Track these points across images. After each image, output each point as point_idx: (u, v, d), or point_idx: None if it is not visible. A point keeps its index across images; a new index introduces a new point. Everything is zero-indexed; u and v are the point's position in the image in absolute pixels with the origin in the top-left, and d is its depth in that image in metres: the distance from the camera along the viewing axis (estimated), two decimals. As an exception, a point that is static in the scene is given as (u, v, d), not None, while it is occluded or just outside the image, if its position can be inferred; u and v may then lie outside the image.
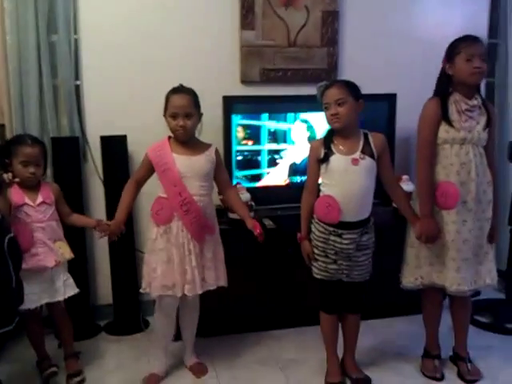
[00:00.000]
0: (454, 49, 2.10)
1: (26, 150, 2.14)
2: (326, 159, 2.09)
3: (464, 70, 2.07)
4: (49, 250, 2.17)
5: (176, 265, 2.15)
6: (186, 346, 2.42)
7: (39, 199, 2.18)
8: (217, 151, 2.27)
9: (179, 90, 2.18)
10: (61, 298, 2.22)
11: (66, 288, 2.23)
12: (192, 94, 2.18)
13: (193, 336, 2.41)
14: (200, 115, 2.22)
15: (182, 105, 2.14)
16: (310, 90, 2.82)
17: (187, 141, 2.20)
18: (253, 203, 2.69)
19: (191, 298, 2.21)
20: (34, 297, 2.13)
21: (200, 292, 2.18)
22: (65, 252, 2.23)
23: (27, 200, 2.16)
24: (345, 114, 2.04)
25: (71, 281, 2.27)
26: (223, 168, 2.33)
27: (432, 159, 2.15)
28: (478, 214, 2.14)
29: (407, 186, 2.64)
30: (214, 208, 2.30)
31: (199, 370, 2.38)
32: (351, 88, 2.08)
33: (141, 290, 2.26)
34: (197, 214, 2.16)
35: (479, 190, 2.12)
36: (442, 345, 2.38)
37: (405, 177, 2.79)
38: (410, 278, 2.26)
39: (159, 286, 2.17)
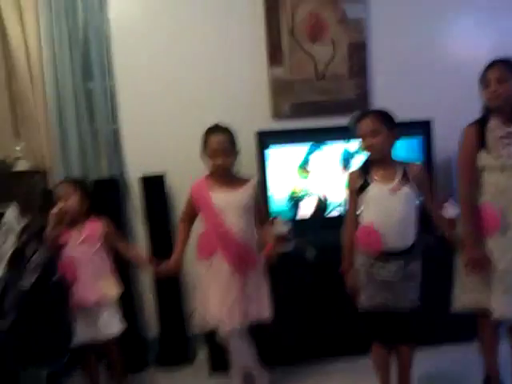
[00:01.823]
0: (480, 77, 2.13)
1: (58, 188, 2.30)
2: (363, 189, 2.09)
3: (484, 97, 2.11)
4: (91, 287, 2.22)
5: (220, 300, 2.17)
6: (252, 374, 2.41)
7: (83, 236, 2.25)
8: (256, 185, 2.31)
9: (216, 129, 2.25)
10: (104, 338, 2.25)
11: (109, 326, 2.27)
12: (228, 133, 2.25)
13: (251, 364, 2.37)
14: (237, 152, 2.27)
15: (220, 143, 2.20)
16: (339, 121, 2.87)
17: (226, 177, 2.26)
18: (291, 235, 2.68)
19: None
20: (80, 333, 2.19)
21: (239, 326, 2.18)
22: (109, 289, 2.27)
23: (71, 238, 2.24)
24: (379, 144, 2.05)
25: (115, 319, 2.29)
26: (261, 202, 2.37)
27: (472, 184, 2.13)
28: None
29: (451, 211, 2.57)
30: (255, 241, 2.31)
31: None
32: (385, 118, 2.08)
33: (194, 324, 2.30)
34: (236, 247, 2.19)
35: None
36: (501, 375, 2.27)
37: (447, 203, 2.71)
38: (459, 302, 2.21)
39: (212, 320, 2.20)
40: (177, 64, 2.90)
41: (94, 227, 2.30)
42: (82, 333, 2.20)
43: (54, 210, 2.20)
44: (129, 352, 2.60)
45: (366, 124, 2.06)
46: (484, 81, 2.10)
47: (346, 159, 2.87)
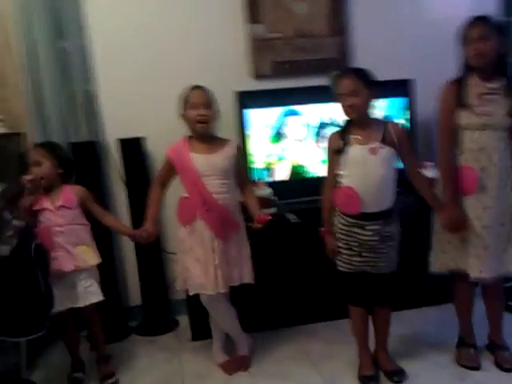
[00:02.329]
0: (460, 34, 2.07)
1: (29, 154, 2.21)
2: (343, 150, 2.06)
3: (466, 54, 2.06)
4: (67, 255, 2.18)
5: (202, 264, 2.17)
6: (235, 341, 2.44)
7: (59, 203, 2.20)
8: (237, 147, 2.28)
9: (197, 86, 2.21)
10: (81, 305, 2.22)
11: (87, 295, 2.22)
12: (208, 91, 2.21)
13: (233, 329, 2.40)
14: (217, 112, 2.23)
15: (202, 96, 2.17)
16: (322, 81, 2.82)
17: (205, 138, 2.21)
18: (275, 198, 2.67)
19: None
20: (57, 301, 2.15)
21: (222, 291, 2.18)
22: (88, 257, 2.23)
23: (47, 204, 2.19)
24: (360, 104, 2.01)
25: (94, 288, 2.24)
26: (240, 164, 2.31)
27: (452, 144, 2.10)
28: (502, 199, 2.07)
29: (432, 172, 2.58)
30: (239, 205, 2.29)
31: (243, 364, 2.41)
32: (364, 77, 2.03)
33: (177, 288, 2.31)
34: (219, 212, 2.16)
35: (502, 176, 2.06)
36: (477, 333, 2.32)
37: (429, 163, 2.72)
38: (436, 263, 2.23)
39: (194, 285, 2.20)
40: (153, 23, 2.79)
41: (70, 193, 2.24)
42: (60, 301, 2.17)
43: (27, 177, 2.14)
44: (110, 320, 2.62)
45: (346, 84, 2.01)
46: (465, 38, 2.04)
47: (319, 131, 2.83)
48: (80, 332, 2.44)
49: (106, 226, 2.32)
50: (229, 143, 2.25)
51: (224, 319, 2.37)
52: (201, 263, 2.18)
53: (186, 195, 2.20)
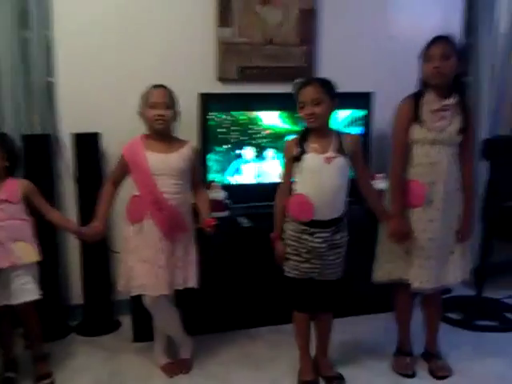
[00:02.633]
0: (421, 52, 2.13)
1: None
2: (299, 158, 2.09)
3: (425, 71, 2.12)
4: (4, 251, 2.09)
5: (147, 264, 2.14)
6: (179, 344, 2.43)
7: (1, 196, 2.11)
8: (194, 148, 2.27)
9: (158, 85, 2.20)
10: (15, 302, 2.13)
11: (22, 292, 2.13)
12: (170, 90, 2.21)
13: (175, 332, 2.37)
14: (178, 112, 2.23)
15: (162, 95, 2.16)
16: (287, 88, 2.87)
17: (163, 137, 2.20)
18: (228, 201, 2.68)
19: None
20: None
21: (165, 293, 2.16)
22: (26, 254, 2.14)
23: None
24: (321, 113, 2.04)
25: (30, 286, 2.15)
26: (197, 167, 2.31)
27: (404, 158, 2.17)
28: (447, 212, 2.17)
29: (382, 183, 2.66)
30: (190, 207, 2.28)
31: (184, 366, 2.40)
32: (328, 87, 2.07)
33: (119, 289, 2.27)
34: (169, 212, 2.14)
35: (448, 190, 2.15)
36: (414, 342, 2.41)
37: (380, 175, 2.81)
38: (380, 272, 2.30)
39: (137, 286, 2.17)
40: (120, 18, 2.74)
41: (14, 187, 2.16)
42: None
43: None
44: (49, 318, 2.54)
45: (309, 92, 2.05)
46: (426, 56, 2.10)
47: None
48: (14, 329, 2.34)
49: (50, 221, 2.24)
50: (186, 144, 2.24)
51: (166, 321, 2.34)
52: (146, 263, 2.14)
53: (137, 193, 2.18)
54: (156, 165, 2.14)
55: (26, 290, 2.15)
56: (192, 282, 2.24)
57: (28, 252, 2.16)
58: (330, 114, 2.10)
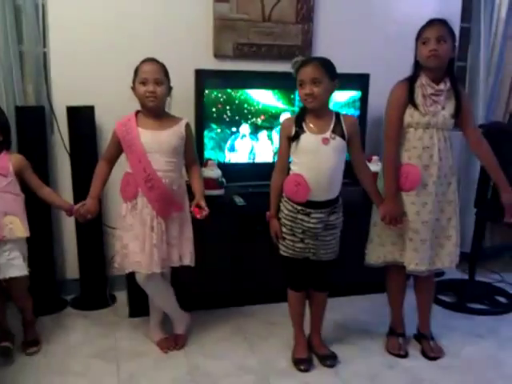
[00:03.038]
0: (417, 34, 2.12)
1: None
2: (296, 137, 2.07)
3: (421, 54, 2.09)
4: None
5: (140, 241, 2.12)
6: (171, 318, 2.42)
7: None
8: (187, 125, 2.20)
9: (149, 59, 2.13)
10: (1, 277, 2.12)
11: (9, 267, 2.11)
12: (162, 64, 2.14)
13: (169, 308, 2.37)
14: (170, 88, 2.17)
15: (152, 70, 2.08)
16: (283, 67, 2.84)
17: (156, 114, 2.15)
18: (223, 180, 2.67)
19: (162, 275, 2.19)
20: None
21: (157, 271, 2.14)
22: (15, 229, 2.11)
23: None
24: (320, 94, 2.01)
25: (18, 261, 2.13)
26: (191, 144, 2.25)
27: (398, 142, 2.17)
28: (439, 196, 2.17)
29: (377, 166, 2.66)
30: (184, 184, 2.26)
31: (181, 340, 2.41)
32: (328, 67, 2.04)
33: (115, 266, 2.25)
34: (161, 190, 2.11)
35: (441, 174, 2.15)
36: (406, 323, 2.43)
37: (375, 157, 2.81)
38: (373, 255, 2.30)
39: (131, 262, 2.15)
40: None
41: (6, 161, 2.13)
42: None
43: None
44: (44, 292, 2.53)
45: (309, 71, 2.01)
46: (422, 38, 2.08)
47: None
48: (6, 300, 2.34)
49: (42, 198, 2.23)
50: (180, 121, 2.18)
51: (160, 298, 2.33)
52: (139, 241, 2.12)
53: (130, 171, 2.14)
54: (148, 142, 2.09)
55: (13, 265, 2.13)
56: (188, 259, 2.23)
57: (17, 227, 2.13)
58: (329, 94, 2.07)
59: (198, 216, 2.14)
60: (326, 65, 2.04)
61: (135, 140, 2.10)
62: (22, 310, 2.35)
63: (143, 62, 2.12)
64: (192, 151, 2.26)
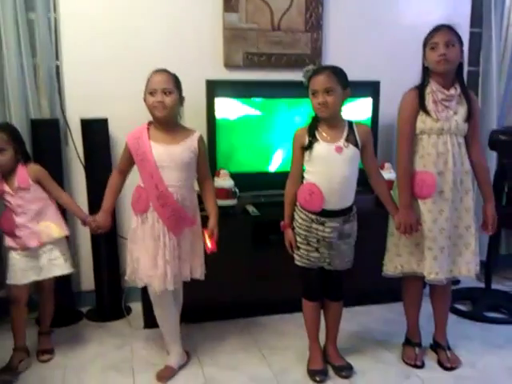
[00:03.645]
0: (424, 40, 2.12)
1: None
2: (309, 147, 2.06)
3: (430, 59, 2.09)
4: (31, 233, 2.18)
5: (151, 257, 2.09)
6: (166, 344, 2.34)
7: (16, 184, 2.17)
8: (200, 139, 2.15)
9: (159, 70, 2.09)
10: (45, 277, 2.23)
11: (51, 267, 2.23)
12: (172, 74, 2.10)
13: (169, 335, 2.29)
14: (181, 98, 2.13)
15: (161, 81, 2.05)
16: (293, 76, 2.84)
17: (167, 127, 2.10)
18: (236, 190, 2.66)
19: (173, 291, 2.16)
20: (23, 273, 2.19)
21: (170, 288, 2.10)
22: (51, 231, 2.22)
23: (6, 188, 2.17)
24: (333, 103, 2.01)
25: (59, 261, 2.24)
26: (204, 158, 2.19)
27: (411, 150, 2.15)
28: (456, 203, 2.15)
29: (389, 174, 2.65)
30: (196, 198, 2.21)
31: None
32: (340, 76, 2.04)
33: (126, 278, 2.23)
34: (173, 207, 2.07)
35: (456, 180, 2.14)
36: (422, 333, 2.40)
37: (387, 164, 2.79)
38: (391, 266, 2.28)
39: (143, 277, 2.13)
40: (127, 3, 2.71)
41: (24, 174, 2.19)
42: (25, 274, 2.19)
43: None
44: (62, 305, 2.56)
45: (322, 80, 2.01)
46: (431, 44, 2.08)
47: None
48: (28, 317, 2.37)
49: (62, 204, 2.29)
50: (192, 134, 2.13)
51: (165, 318, 2.25)
52: (150, 255, 2.09)
53: (142, 185, 2.10)
54: (160, 157, 2.05)
55: (55, 265, 2.24)
56: (198, 273, 2.20)
57: (53, 229, 2.23)
58: (341, 103, 2.06)
59: (209, 252, 2.13)
60: (339, 73, 2.04)
61: (147, 154, 2.06)
62: (43, 317, 2.41)
63: (153, 72, 2.09)
64: (205, 166, 2.21)
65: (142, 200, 2.10)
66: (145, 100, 2.10)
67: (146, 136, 2.09)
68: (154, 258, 2.09)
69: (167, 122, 2.10)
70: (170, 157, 2.06)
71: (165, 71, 2.09)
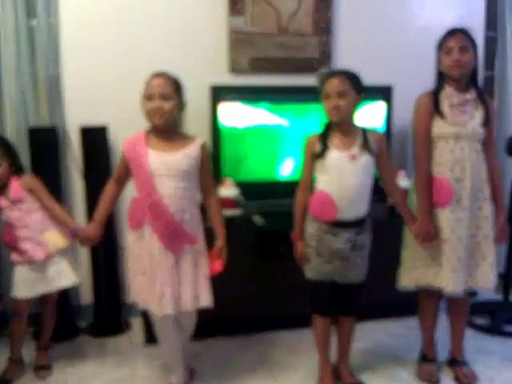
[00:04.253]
0: (438, 44, 2.08)
1: None
2: (322, 155, 1.99)
3: (445, 64, 2.06)
4: (36, 245, 2.13)
5: (147, 277, 1.95)
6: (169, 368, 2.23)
7: (10, 197, 2.13)
8: (202, 147, 1.99)
9: (157, 73, 1.95)
10: (54, 288, 2.20)
11: (60, 279, 2.19)
12: (172, 78, 1.95)
13: (170, 359, 2.18)
14: (182, 104, 1.98)
15: (159, 85, 1.90)
16: (301, 81, 2.74)
17: (165, 134, 1.95)
18: (242, 198, 2.58)
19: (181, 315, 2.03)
20: (31, 287, 2.15)
21: (171, 313, 1.93)
22: (56, 242, 2.17)
23: (3, 202, 2.13)
24: (345, 107, 1.94)
25: (67, 271, 2.20)
26: (206, 167, 2.02)
27: (428, 156, 2.09)
28: (474, 211, 2.07)
29: (403, 181, 2.57)
30: (198, 213, 2.03)
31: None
32: (354, 80, 1.98)
33: (129, 300, 2.10)
34: (167, 220, 1.90)
35: (474, 187, 2.06)
36: (438, 348, 2.30)
37: (401, 172, 2.70)
38: (406, 278, 2.19)
39: (140, 300, 2.00)
40: (128, 8, 2.64)
41: (17, 185, 2.14)
42: (33, 287, 2.15)
43: None
44: (60, 319, 2.46)
45: (335, 84, 1.95)
46: (445, 48, 2.03)
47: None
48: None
49: (53, 216, 2.18)
50: (193, 142, 1.97)
51: (166, 342, 2.11)
52: (147, 276, 1.94)
53: (138, 195, 1.96)
54: (156, 165, 1.90)
55: (64, 275, 2.20)
56: (205, 300, 2.00)
57: (58, 239, 2.18)
58: (354, 108, 2.00)
59: (212, 275, 2.01)
60: (353, 78, 1.98)
61: (143, 162, 1.91)
62: (43, 331, 2.35)
63: (151, 76, 1.95)
64: (207, 176, 2.04)
65: (137, 212, 1.96)
66: (142, 105, 1.96)
67: (143, 143, 1.95)
68: (150, 278, 1.94)
69: (166, 129, 1.96)
70: (167, 165, 1.92)
71: (164, 74, 1.95)
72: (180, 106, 1.98)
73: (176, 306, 1.94)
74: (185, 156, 1.94)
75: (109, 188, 2.07)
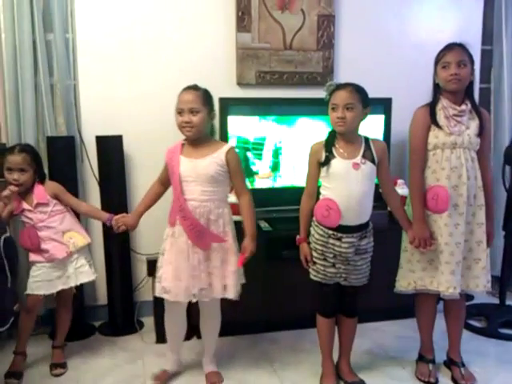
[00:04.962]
0: (436, 58, 2.14)
1: (10, 158, 2.23)
2: (327, 162, 2.08)
3: (442, 78, 2.12)
4: (58, 244, 2.27)
5: (174, 269, 2.11)
6: (205, 351, 2.37)
7: (34, 201, 2.26)
8: (229, 151, 2.12)
9: (187, 87, 2.11)
10: (72, 285, 2.33)
11: (78, 275, 2.33)
12: (201, 91, 2.10)
13: (210, 343, 2.34)
14: (212, 113, 2.14)
15: (188, 100, 2.06)
16: (305, 94, 2.86)
17: (197, 142, 2.12)
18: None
19: (206, 303, 2.19)
20: (50, 283, 2.27)
21: (183, 301, 2.13)
22: (76, 241, 2.32)
23: (25, 205, 2.25)
24: (351, 118, 2.03)
25: (85, 268, 2.34)
26: (236, 171, 2.14)
27: (423, 165, 2.17)
28: (469, 217, 2.16)
29: (402, 189, 2.66)
30: (228, 214, 2.16)
31: (212, 380, 2.31)
32: (362, 94, 2.06)
33: (156, 294, 2.20)
34: (191, 221, 2.08)
35: (470, 194, 2.14)
36: (436, 349, 2.38)
37: (400, 181, 2.80)
38: (403, 282, 2.27)
39: (160, 288, 2.15)
40: (141, 23, 2.77)
41: (42, 191, 2.29)
42: (52, 284, 2.28)
43: (5, 193, 2.19)
44: (75, 319, 2.57)
45: (343, 96, 2.03)
46: (442, 63, 2.11)
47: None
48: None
49: (83, 213, 2.41)
50: (221, 148, 2.12)
51: (171, 327, 2.30)
52: (172, 267, 2.11)
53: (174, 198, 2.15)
54: (186, 171, 2.09)
55: (82, 272, 2.34)
56: (231, 293, 2.14)
57: (78, 238, 2.33)
58: (359, 121, 2.08)
59: (240, 266, 2.14)
60: (361, 91, 2.07)
61: (174, 168, 2.11)
62: (59, 330, 2.45)
63: (182, 90, 2.10)
64: (237, 179, 2.16)
65: (172, 212, 2.15)
66: (175, 118, 2.11)
67: (179, 151, 2.14)
68: (175, 270, 2.11)
69: (197, 139, 2.13)
70: (195, 171, 2.09)
71: (193, 89, 2.10)
72: (210, 115, 2.13)
73: (202, 295, 2.12)
74: (212, 162, 2.10)
75: (153, 186, 2.28)
